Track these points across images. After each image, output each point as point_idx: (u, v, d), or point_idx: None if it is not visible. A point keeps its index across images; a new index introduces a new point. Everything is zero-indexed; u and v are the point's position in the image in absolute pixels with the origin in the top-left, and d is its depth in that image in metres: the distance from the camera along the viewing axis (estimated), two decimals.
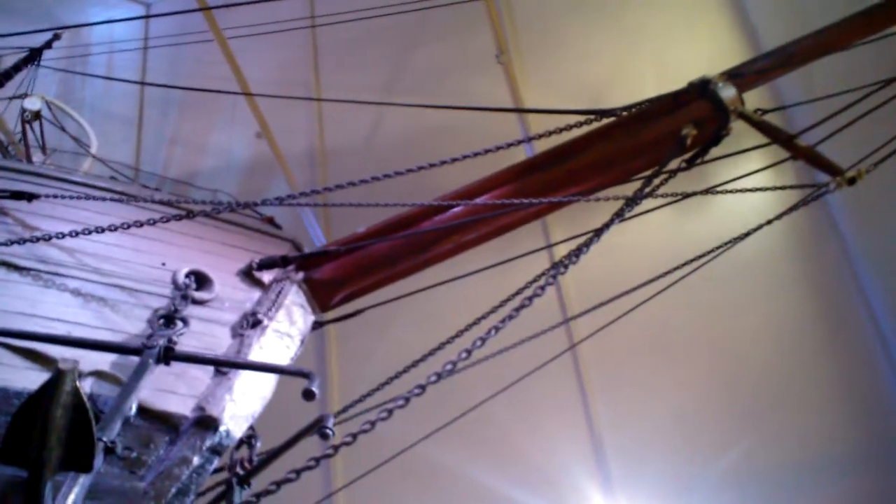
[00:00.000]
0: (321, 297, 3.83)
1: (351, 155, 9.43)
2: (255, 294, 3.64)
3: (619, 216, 3.52)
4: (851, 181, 3.31)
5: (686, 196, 3.74)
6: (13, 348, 2.85)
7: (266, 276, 3.75)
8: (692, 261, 4.04)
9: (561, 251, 3.86)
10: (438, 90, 8.65)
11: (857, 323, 7.44)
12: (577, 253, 3.35)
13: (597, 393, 7.37)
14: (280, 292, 3.64)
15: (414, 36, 9.64)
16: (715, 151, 3.76)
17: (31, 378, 2.76)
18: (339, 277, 3.84)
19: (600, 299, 4.24)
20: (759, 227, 3.88)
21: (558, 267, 3.24)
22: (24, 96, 7.41)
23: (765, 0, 8.81)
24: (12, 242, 3.16)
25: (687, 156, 3.76)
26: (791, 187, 3.82)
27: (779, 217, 3.80)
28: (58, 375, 2.05)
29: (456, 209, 3.75)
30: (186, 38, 9.89)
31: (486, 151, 3.77)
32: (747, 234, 3.93)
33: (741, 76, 3.65)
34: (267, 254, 3.83)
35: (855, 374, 7.23)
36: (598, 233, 3.46)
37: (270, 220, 4.63)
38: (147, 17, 7.23)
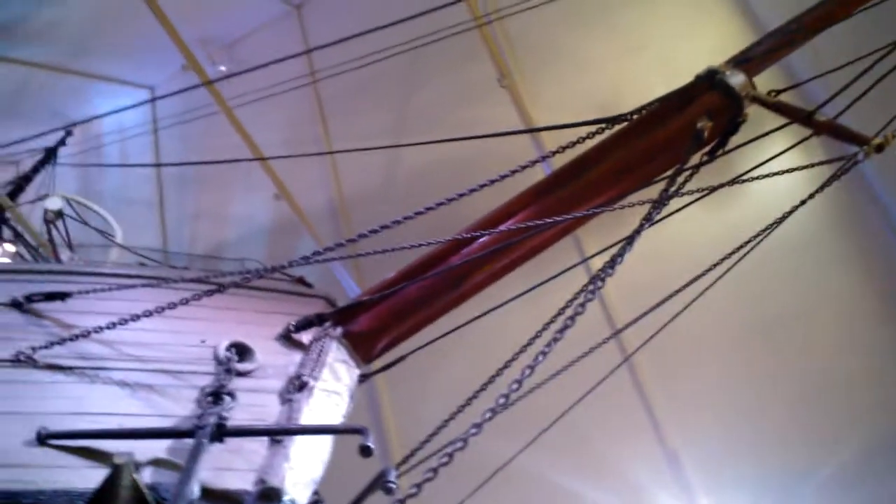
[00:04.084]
0: (363, 349, 3.79)
1: (370, 201, 9.47)
2: (297, 356, 3.61)
3: (648, 220, 3.46)
4: (879, 148, 3.21)
5: (714, 189, 3.66)
6: (68, 449, 2.85)
7: (305, 337, 3.72)
8: (736, 250, 3.94)
9: (597, 263, 3.80)
10: (446, 123, 8.68)
11: None
12: (611, 264, 3.29)
13: (660, 400, 7.18)
14: (321, 351, 3.60)
15: (413, 74, 9.73)
16: (736, 139, 3.68)
17: (90, 477, 2.74)
18: (376, 327, 3.79)
19: (646, 306, 4.15)
20: (795, 208, 3.78)
21: (595, 281, 3.18)
22: (44, 197, 7.59)
23: None
24: (52, 344, 3.21)
25: (707, 148, 3.70)
26: (819, 164, 3.72)
27: (812, 196, 3.69)
28: (115, 470, 2.06)
29: (482, 239, 3.71)
30: (193, 113, 10.12)
31: (503, 177, 3.74)
32: (784, 217, 3.82)
33: (748, 61, 3.59)
34: (302, 314, 3.81)
35: None
36: (630, 240, 3.40)
37: (301, 280, 4.63)
38: (153, 100, 7.42)
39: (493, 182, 3.62)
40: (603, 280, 3.16)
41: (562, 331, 2.94)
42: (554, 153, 3.92)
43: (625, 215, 3.79)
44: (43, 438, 2.84)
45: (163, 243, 11.56)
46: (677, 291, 4.04)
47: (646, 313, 4.16)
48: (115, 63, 11.84)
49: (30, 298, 3.51)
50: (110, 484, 1.96)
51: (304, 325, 3.75)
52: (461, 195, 3.55)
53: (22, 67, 10.43)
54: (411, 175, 8.91)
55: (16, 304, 3.50)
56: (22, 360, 3.19)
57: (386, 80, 9.58)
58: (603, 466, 6.90)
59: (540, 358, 2.81)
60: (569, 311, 3.25)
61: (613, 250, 3.40)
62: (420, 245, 3.63)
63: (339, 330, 3.74)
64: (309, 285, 4.59)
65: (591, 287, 3.11)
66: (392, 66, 8.70)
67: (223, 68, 11.34)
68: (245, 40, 11.74)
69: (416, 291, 3.72)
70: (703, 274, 3.97)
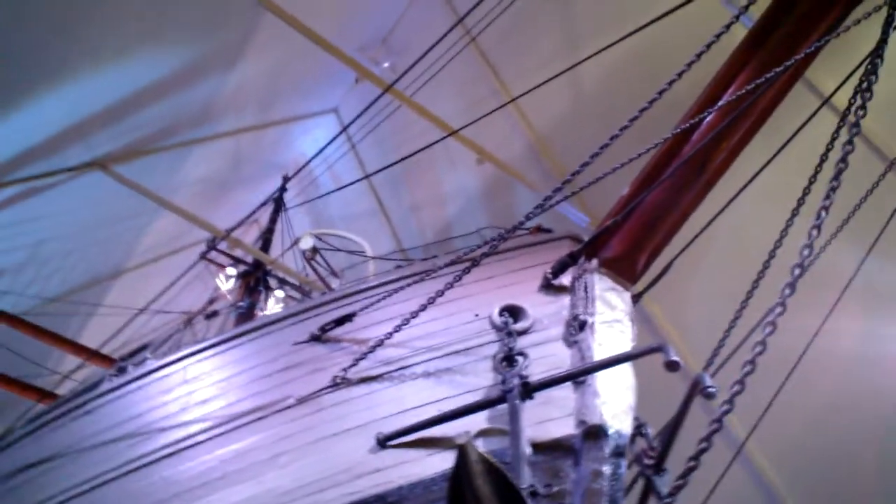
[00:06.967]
0: (625, 270, 3.72)
1: (567, 128, 9.29)
2: (565, 300, 3.66)
3: (889, 23, 3.01)
4: None
5: None
6: (406, 444, 3.17)
7: (565, 280, 3.76)
8: None
9: (842, 99, 3.35)
10: (617, 19, 8.18)
11: None
12: (866, 87, 2.90)
13: None
14: (585, 287, 3.62)
15: None
16: None
17: (433, 463, 3.04)
18: (630, 245, 3.70)
19: None
20: None
21: (855, 111, 2.83)
22: (296, 242, 8.47)
23: None
24: (357, 361, 3.58)
25: None
26: None
27: None
28: (461, 450, 2.25)
29: (709, 119, 3.46)
30: (379, 117, 10.61)
31: (702, 52, 3.45)
32: None
33: None
34: (553, 260, 3.85)
35: None
36: (876, 54, 2.98)
37: (539, 228, 4.68)
38: (344, 128, 7.93)
39: (699, 56, 3.36)
40: (863, 108, 2.80)
41: (836, 177, 2.67)
42: (749, 4, 3.55)
43: (856, 36, 3.32)
44: (383, 442, 3.20)
45: (396, 243, 12.35)
46: None
47: None
48: (298, 100, 12.83)
49: (323, 329, 3.94)
50: (461, 463, 2.15)
51: (559, 269, 3.78)
52: (671, 82, 3.34)
53: (229, 138, 11.64)
54: (600, 86, 8.57)
55: (315, 338, 3.96)
56: (339, 383, 3.61)
57: (539, 5, 9.28)
58: None
59: (823, 214, 2.58)
60: (833, 156, 2.94)
61: (858, 74, 3.01)
62: (645, 151, 3.47)
63: (594, 262, 3.72)
64: (548, 231, 4.63)
65: (854, 130, 2.76)
66: None
67: (386, 65, 11.78)
68: (396, 30, 12.07)
69: (659, 195, 3.56)
70: None
